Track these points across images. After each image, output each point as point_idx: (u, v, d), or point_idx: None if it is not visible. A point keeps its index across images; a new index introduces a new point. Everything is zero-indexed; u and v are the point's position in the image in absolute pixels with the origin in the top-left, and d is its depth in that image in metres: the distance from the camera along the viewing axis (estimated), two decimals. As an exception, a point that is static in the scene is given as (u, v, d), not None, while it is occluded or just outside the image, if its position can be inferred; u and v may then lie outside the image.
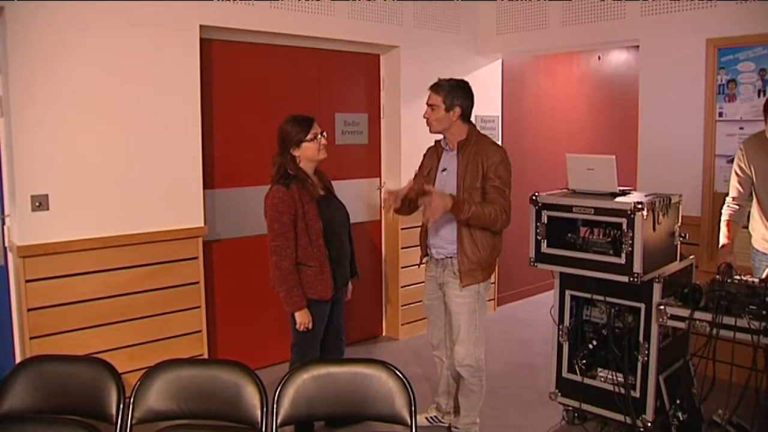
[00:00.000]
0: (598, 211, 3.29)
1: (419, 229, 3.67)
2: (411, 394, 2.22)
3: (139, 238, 3.92)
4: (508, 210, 3.32)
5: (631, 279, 3.17)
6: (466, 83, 3.45)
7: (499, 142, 5.90)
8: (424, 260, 3.68)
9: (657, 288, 3.25)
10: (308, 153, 3.34)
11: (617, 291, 3.37)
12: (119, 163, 3.84)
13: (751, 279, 3.06)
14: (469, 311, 3.44)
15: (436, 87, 3.41)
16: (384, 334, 5.53)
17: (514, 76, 6.25)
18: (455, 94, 3.37)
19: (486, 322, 3.56)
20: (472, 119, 3.52)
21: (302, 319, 3.29)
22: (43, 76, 3.55)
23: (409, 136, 5.25)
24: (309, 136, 3.32)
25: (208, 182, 4.33)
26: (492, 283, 3.73)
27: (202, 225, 4.20)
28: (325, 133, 3.40)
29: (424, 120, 3.47)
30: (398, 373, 2.25)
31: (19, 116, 3.51)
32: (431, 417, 3.86)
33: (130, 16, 3.81)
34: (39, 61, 3.53)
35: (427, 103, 3.44)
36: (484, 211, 3.26)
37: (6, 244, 3.70)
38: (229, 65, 4.45)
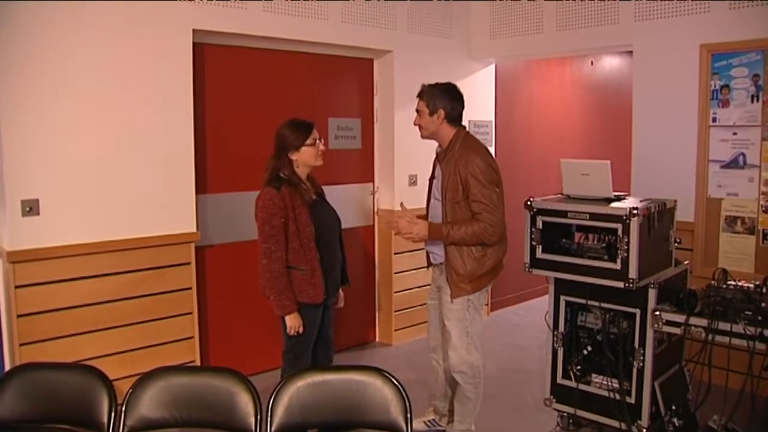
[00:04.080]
0: (594, 216, 3.28)
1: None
2: (407, 401, 2.20)
3: (131, 243, 3.89)
4: (496, 222, 3.27)
5: (627, 284, 3.16)
6: (451, 86, 3.45)
7: (492, 147, 5.91)
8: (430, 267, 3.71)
9: (652, 293, 3.25)
10: (306, 158, 3.31)
11: (612, 296, 3.36)
12: (111, 168, 3.81)
13: (746, 284, 3.05)
14: (457, 318, 3.43)
15: (420, 93, 3.45)
16: (377, 339, 5.50)
17: (508, 81, 6.25)
18: (437, 97, 3.37)
19: (480, 328, 3.54)
20: (466, 125, 3.52)
21: (292, 322, 3.25)
22: (34, 82, 3.51)
23: (402, 140, 5.24)
24: (309, 141, 3.30)
25: (201, 187, 4.30)
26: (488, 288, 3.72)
27: (195, 230, 4.16)
28: (322, 140, 3.40)
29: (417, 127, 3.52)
30: (393, 380, 2.23)
31: (9, 120, 3.47)
32: (429, 421, 3.85)
33: (122, 21, 3.78)
34: (30, 66, 3.49)
35: (415, 110, 3.47)
36: (468, 231, 3.26)
37: (-5, 250, 3.67)
38: (221, 70, 4.43)
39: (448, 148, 3.40)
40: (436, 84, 3.44)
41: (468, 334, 3.44)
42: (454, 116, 3.41)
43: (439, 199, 3.44)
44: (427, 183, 3.69)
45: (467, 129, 3.52)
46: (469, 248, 3.34)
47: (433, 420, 3.85)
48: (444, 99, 3.37)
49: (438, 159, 3.50)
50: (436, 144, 3.53)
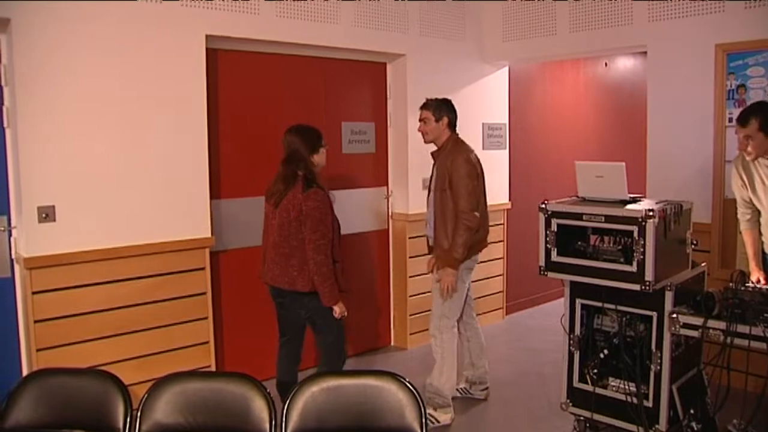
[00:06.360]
0: (609, 218, 3.25)
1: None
2: (421, 405, 2.19)
3: (146, 248, 3.91)
4: (468, 208, 3.78)
5: (643, 287, 3.12)
6: (449, 100, 4.05)
7: (507, 150, 5.91)
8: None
9: (669, 296, 3.21)
10: (322, 159, 3.59)
11: (628, 299, 3.32)
12: (126, 174, 3.83)
13: (765, 286, 3.01)
14: (437, 288, 3.92)
15: (425, 105, 4.04)
16: (392, 344, 5.49)
17: (521, 83, 6.23)
18: (441, 107, 3.99)
19: (460, 303, 3.95)
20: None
21: (342, 307, 3.52)
22: (49, 88, 3.55)
23: (416, 144, 5.20)
24: (323, 143, 3.58)
25: (215, 192, 4.31)
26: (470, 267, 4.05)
27: (209, 235, 4.18)
28: None
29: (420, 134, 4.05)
30: (408, 384, 2.22)
31: (25, 127, 3.50)
32: (461, 388, 4.28)
33: (135, 27, 3.81)
34: (45, 73, 3.53)
35: (419, 120, 4.04)
36: (457, 232, 3.78)
37: (13, 256, 3.69)
38: (235, 75, 4.45)
39: (442, 148, 3.99)
40: (437, 98, 4.05)
41: (445, 303, 3.91)
42: (453, 123, 4.03)
43: (432, 190, 3.98)
44: None
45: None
46: (450, 227, 3.85)
47: (465, 388, 4.30)
48: (446, 109, 3.99)
49: (433, 157, 4.06)
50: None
